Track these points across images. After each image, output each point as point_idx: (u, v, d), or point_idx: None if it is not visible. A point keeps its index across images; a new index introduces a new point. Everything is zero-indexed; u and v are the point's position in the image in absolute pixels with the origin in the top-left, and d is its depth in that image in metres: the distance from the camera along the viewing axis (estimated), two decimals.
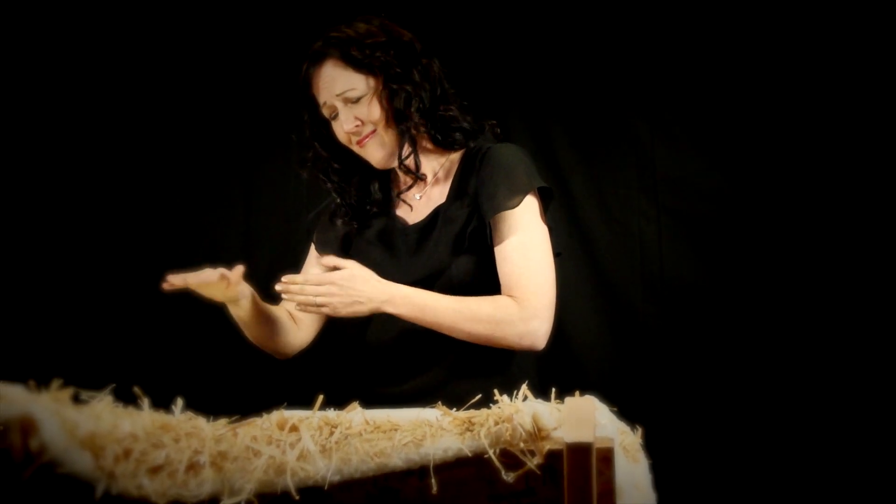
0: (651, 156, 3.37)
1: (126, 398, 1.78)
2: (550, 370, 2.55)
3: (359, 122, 2.51)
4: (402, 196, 2.57)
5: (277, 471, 1.69)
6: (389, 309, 2.41)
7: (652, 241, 3.36)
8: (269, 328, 2.57)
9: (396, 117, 2.50)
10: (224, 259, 3.44)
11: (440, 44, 2.65)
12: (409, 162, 2.52)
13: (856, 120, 3.23)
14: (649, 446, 1.84)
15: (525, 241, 2.43)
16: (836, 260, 3.24)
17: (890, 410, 3.16)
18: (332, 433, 1.71)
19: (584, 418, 1.66)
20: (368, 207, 2.62)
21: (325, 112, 2.55)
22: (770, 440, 3.24)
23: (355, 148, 2.55)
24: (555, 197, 2.54)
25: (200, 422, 1.76)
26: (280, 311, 2.60)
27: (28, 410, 1.64)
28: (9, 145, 3.45)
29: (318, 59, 2.52)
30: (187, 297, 3.49)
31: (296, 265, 2.72)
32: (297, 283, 2.40)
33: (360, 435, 1.70)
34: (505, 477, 1.67)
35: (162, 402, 1.80)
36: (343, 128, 2.52)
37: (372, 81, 2.50)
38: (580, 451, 1.61)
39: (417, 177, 2.53)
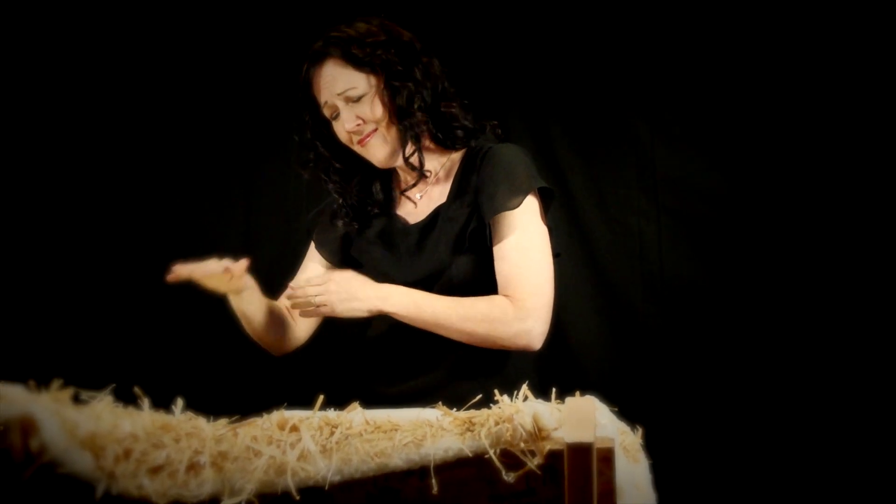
0: (651, 156, 3.37)
1: (126, 398, 1.78)
2: (550, 370, 2.55)
3: (360, 122, 2.51)
4: (406, 194, 2.57)
5: (278, 471, 1.69)
6: (386, 307, 2.42)
7: (652, 241, 3.36)
8: (269, 322, 2.58)
9: (399, 115, 2.50)
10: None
11: (440, 44, 2.65)
12: (414, 159, 2.52)
13: (855, 120, 3.23)
14: (649, 446, 1.84)
15: (523, 241, 2.43)
16: (835, 260, 3.24)
17: (890, 410, 3.16)
18: (332, 433, 1.71)
19: (585, 418, 1.67)
20: (369, 208, 2.62)
21: (327, 112, 2.55)
22: (770, 440, 3.24)
23: (356, 148, 2.55)
24: (555, 197, 2.54)
25: (201, 422, 1.76)
26: (280, 306, 2.61)
27: (28, 410, 1.64)
28: (9, 146, 3.45)
29: (318, 59, 2.52)
30: (187, 297, 3.48)
31: (296, 265, 2.72)
32: (299, 286, 2.43)
33: (361, 435, 1.70)
34: (505, 477, 1.67)
35: (162, 403, 1.80)
36: (344, 127, 2.52)
37: (373, 80, 2.50)
38: (581, 452, 1.62)
39: (421, 173, 2.53)
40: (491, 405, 1.73)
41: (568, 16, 3.40)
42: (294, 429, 1.73)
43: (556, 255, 2.52)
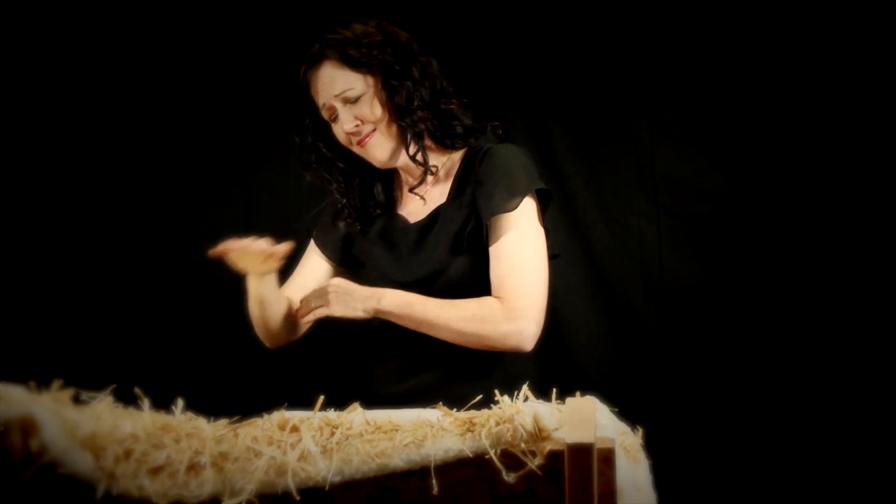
0: (651, 156, 3.37)
1: (126, 399, 1.78)
2: (550, 371, 2.55)
3: (358, 122, 2.51)
4: (415, 191, 2.57)
5: (278, 471, 1.69)
6: (381, 306, 2.43)
7: (652, 241, 3.36)
8: (279, 311, 2.57)
9: (398, 114, 2.50)
10: (224, 259, 3.45)
11: (440, 45, 2.65)
12: (419, 156, 2.52)
13: (855, 120, 3.23)
14: (650, 447, 1.84)
15: (518, 243, 2.43)
16: (835, 260, 3.24)
17: (890, 410, 3.16)
18: (332, 434, 1.71)
19: (585, 419, 1.67)
20: (372, 208, 2.63)
21: (325, 114, 2.55)
22: (770, 440, 3.24)
23: (356, 149, 2.55)
24: (553, 199, 2.53)
25: (201, 422, 1.76)
26: (288, 297, 2.61)
27: (29, 411, 1.64)
28: (9, 146, 3.45)
29: (315, 62, 2.53)
30: (187, 298, 3.50)
31: (295, 265, 2.72)
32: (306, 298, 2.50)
33: (361, 436, 1.70)
34: (506, 477, 1.67)
35: (162, 403, 1.80)
36: (343, 128, 2.52)
37: (370, 80, 2.51)
38: (581, 452, 1.62)
39: (427, 169, 2.53)
40: (491, 406, 1.73)
41: (568, 16, 3.40)
42: (294, 429, 1.73)
43: (555, 257, 2.52)
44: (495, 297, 2.42)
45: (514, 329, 2.39)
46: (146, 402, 1.77)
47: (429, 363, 2.48)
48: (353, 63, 2.49)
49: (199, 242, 3.47)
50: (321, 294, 2.48)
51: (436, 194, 2.57)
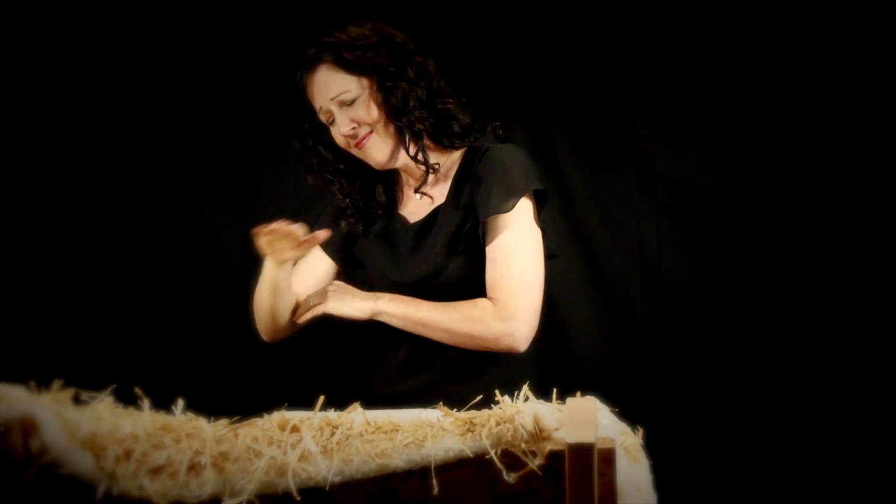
0: (651, 156, 3.37)
1: (127, 399, 1.78)
2: (551, 371, 2.55)
3: (355, 125, 2.50)
4: (419, 191, 2.57)
5: (279, 471, 1.69)
6: (377, 306, 2.45)
7: (651, 242, 3.36)
8: (288, 302, 2.57)
9: (395, 115, 2.50)
10: (224, 259, 3.46)
11: (439, 45, 2.66)
12: (420, 156, 2.51)
13: (855, 120, 3.23)
14: (650, 447, 1.84)
15: (514, 244, 2.43)
16: (835, 260, 3.24)
17: (890, 410, 3.16)
18: (333, 434, 1.71)
19: (586, 419, 1.66)
20: (373, 209, 2.63)
21: (322, 118, 2.55)
22: (770, 440, 3.24)
23: (354, 151, 2.54)
24: (549, 199, 2.53)
25: (201, 422, 1.76)
26: (295, 291, 2.62)
27: (29, 411, 1.64)
28: (9, 146, 3.45)
29: (311, 66, 2.53)
30: (187, 298, 3.50)
31: (295, 265, 2.72)
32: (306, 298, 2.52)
33: (362, 436, 1.70)
34: (506, 478, 1.67)
35: (162, 403, 1.80)
36: (340, 131, 2.52)
37: (365, 82, 2.50)
38: (581, 452, 1.62)
39: (429, 168, 2.53)
40: (492, 406, 1.73)
41: (567, 16, 3.40)
42: (295, 429, 1.73)
43: (552, 257, 2.52)
44: (490, 297, 2.42)
45: (506, 330, 2.40)
46: (146, 402, 1.77)
47: (429, 363, 2.48)
48: (348, 66, 2.49)
49: (199, 242, 3.49)
50: (321, 294, 2.51)
51: (435, 194, 2.57)
